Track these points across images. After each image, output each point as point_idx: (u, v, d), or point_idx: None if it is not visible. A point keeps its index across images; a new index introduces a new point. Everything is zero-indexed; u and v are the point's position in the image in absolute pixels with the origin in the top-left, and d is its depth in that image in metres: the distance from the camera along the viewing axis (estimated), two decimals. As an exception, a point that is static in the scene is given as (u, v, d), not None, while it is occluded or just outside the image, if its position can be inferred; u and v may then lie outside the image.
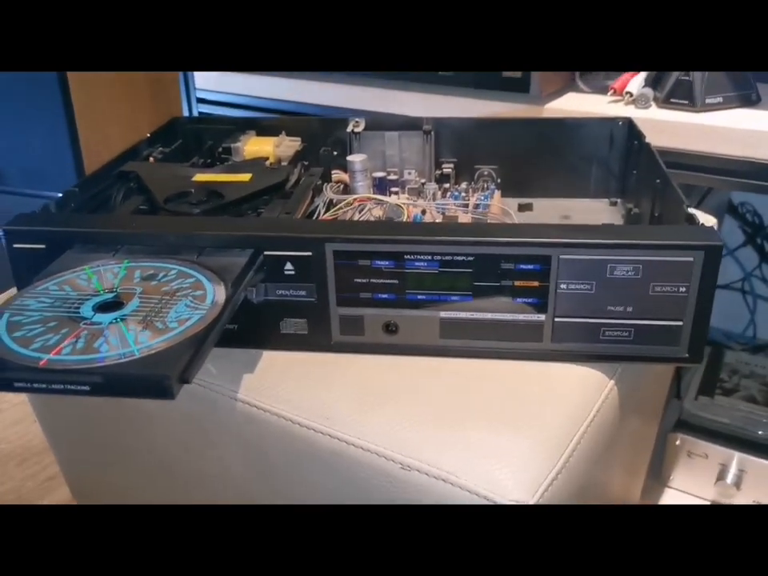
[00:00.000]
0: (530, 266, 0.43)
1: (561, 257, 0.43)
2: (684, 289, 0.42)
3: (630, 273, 0.42)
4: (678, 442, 0.81)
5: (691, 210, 0.46)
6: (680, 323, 0.43)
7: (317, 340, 0.46)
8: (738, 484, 0.78)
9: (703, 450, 0.80)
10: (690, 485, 0.82)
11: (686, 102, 0.71)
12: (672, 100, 0.72)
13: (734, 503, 0.80)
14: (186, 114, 0.98)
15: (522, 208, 0.64)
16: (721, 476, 0.79)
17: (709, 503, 0.81)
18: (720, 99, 0.71)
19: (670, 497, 0.83)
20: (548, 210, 0.64)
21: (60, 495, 0.93)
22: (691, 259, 0.42)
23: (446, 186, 0.64)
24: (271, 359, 0.47)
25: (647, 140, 0.59)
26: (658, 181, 0.52)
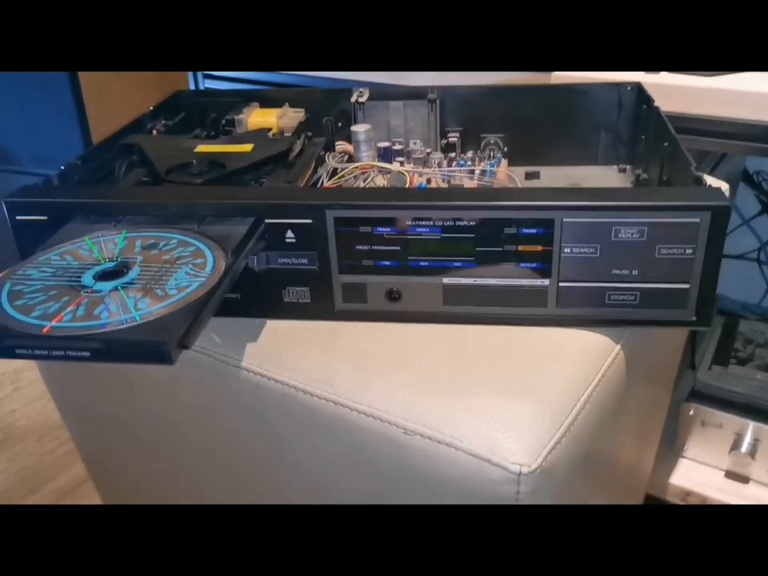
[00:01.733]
0: (534, 230, 0.43)
1: (564, 220, 0.42)
2: (690, 251, 0.42)
3: (635, 235, 0.42)
4: (691, 412, 0.80)
5: (708, 180, 0.45)
6: (687, 286, 0.43)
7: (319, 308, 0.46)
8: (752, 453, 0.78)
9: (717, 420, 0.80)
10: (705, 455, 0.82)
11: (698, 65, 0.70)
12: (683, 63, 0.71)
13: (749, 473, 0.79)
14: (192, 89, 0.97)
15: (530, 176, 0.63)
16: (735, 445, 0.79)
17: (723, 473, 0.81)
18: (733, 62, 0.70)
19: (684, 467, 0.82)
20: (556, 178, 0.63)
21: (78, 470, 0.95)
22: (697, 220, 0.41)
23: (452, 155, 0.63)
24: (274, 328, 0.47)
25: (656, 104, 0.58)
26: (666, 144, 0.51)
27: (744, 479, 0.80)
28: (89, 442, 0.63)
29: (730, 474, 0.80)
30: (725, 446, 0.80)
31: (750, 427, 0.78)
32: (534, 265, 0.44)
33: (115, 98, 0.96)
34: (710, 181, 0.46)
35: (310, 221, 0.44)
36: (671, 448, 0.83)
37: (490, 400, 0.40)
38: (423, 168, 0.60)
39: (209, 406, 0.48)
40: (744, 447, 0.78)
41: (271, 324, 0.47)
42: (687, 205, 0.41)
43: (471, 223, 0.43)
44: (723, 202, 0.41)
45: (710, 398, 0.81)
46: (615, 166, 0.64)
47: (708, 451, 0.82)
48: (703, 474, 0.81)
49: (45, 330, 0.35)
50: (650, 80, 0.70)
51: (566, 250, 0.43)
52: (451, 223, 0.43)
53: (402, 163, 0.61)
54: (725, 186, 0.61)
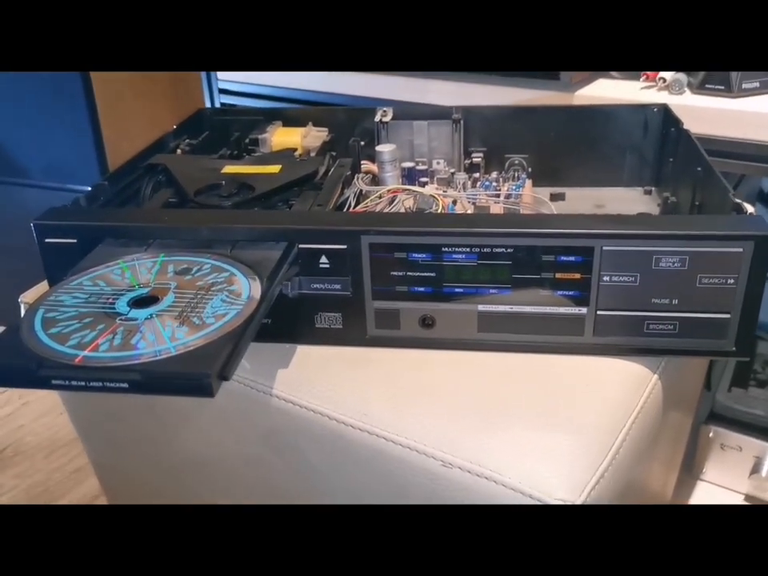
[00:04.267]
0: (572, 258, 0.42)
1: (604, 248, 0.41)
2: (732, 281, 0.41)
3: (676, 264, 0.41)
4: (710, 435, 0.79)
5: (738, 200, 0.45)
6: (727, 316, 0.42)
7: (352, 334, 0.46)
8: (773, 477, 0.77)
9: (737, 443, 0.79)
10: (724, 478, 0.81)
11: (722, 87, 0.70)
12: (707, 85, 0.71)
13: (769, 497, 0.78)
14: (207, 105, 0.97)
15: (554, 198, 0.62)
16: (755, 469, 0.78)
17: (743, 496, 0.80)
18: (757, 84, 0.69)
19: (703, 490, 0.81)
20: (581, 200, 0.62)
21: (87, 488, 0.94)
22: (740, 250, 0.40)
23: (476, 175, 0.63)
24: (306, 354, 0.46)
25: (685, 127, 0.57)
26: (700, 169, 0.51)
27: (764, 503, 0.79)
28: (107, 462, 0.62)
29: (750, 498, 0.79)
30: (744, 469, 0.79)
31: (771, 451, 0.77)
32: (571, 293, 0.43)
33: (130, 111, 0.95)
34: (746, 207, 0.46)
35: (344, 246, 0.43)
36: (690, 471, 0.82)
37: (530, 432, 0.39)
38: (447, 189, 0.60)
39: (237, 433, 0.47)
40: (764, 471, 0.77)
41: (302, 349, 0.46)
42: (730, 234, 0.40)
43: (509, 250, 0.42)
44: (767, 232, 0.40)
45: (729, 420, 0.80)
46: (640, 188, 0.64)
47: (727, 474, 0.81)
48: (722, 498, 0.80)
49: (77, 359, 0.34)
50: (673, 101, 0.69)
51: (604, 278, 0.42)
52: (488, 250, 0.42)
53: (425, 184, 0.61)
54: (752, 209, 0.61)
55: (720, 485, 0.81)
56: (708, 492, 0.81)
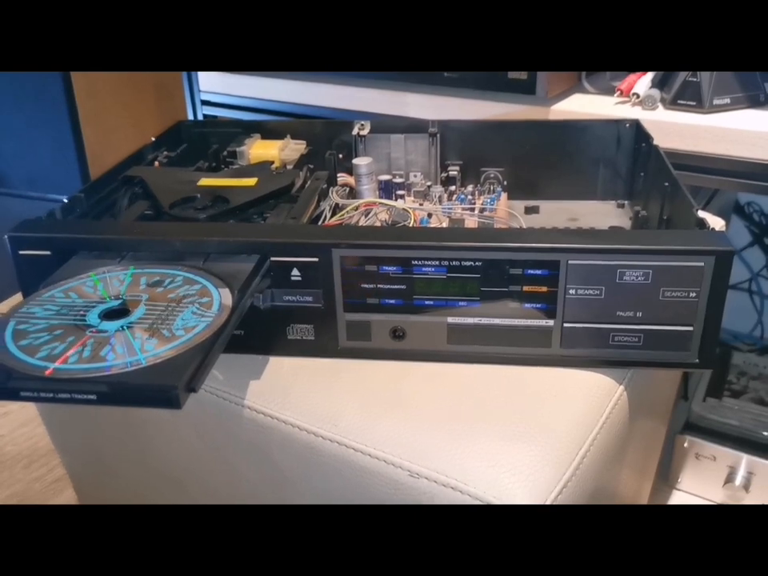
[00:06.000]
0: (539, 272, 0.43)
1: (569, 262, 0.42)
2: (694, 294, 0.42)
3: (639, 278, 0.42)
4: (685, 444, 0.80)
5: (701, 214, 0.46)
6: (690, 329, 0.43)
7: (323, 346, 0.46)
8: (746, 486, 0.78)
9: (711, 453, 0.80)
10: (698, 487, 0.82)
11: (694, 103, 0.71)
12: (679, 101, 0.72)
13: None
14: (190, 117, 0.97)
15: (529, 210, 0.63)
16: (729, 478, 0.79)
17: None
18: (728, 100, 0.71)
19: (678, 499, 0.82)
20: (555, 213, 0.63)
21: (67, 498, 0.93)
22: (702, 264, 0.41)
23: (452, 188, 0.64)
24: (278, 365, 0.46)
25: (655, 142, 0.58)
26: (667, 184, 0.52)
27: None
28: (83, 474, 0.63)
29: (724, 508, 0.80)
30: (719, 478, 0.80)
31: (744, 460, 0.78)
32: (538, 305, 0.44)
33: (113, 122, 0.96)
34: (710, 220, 0.47)
35: (316, 259, 0.44)
36: (665, 480, 0.83)
37: (495, 443, 0.40)
38: (424, 201, 0.61)
39: (210, 444, 0.48)
40: (738, 480, 0.78)
41: (274, 361, 0.47)
42: (692, 249, 0.41)
43: (477, 263, 0.43)
44: (727, 247, 0.41)
45: (704, 430, 0.81)
46: (614, 202, 0.65)
47: (702, 484, 0.82)
48: (697, 507, 0.81)
49: (48, 371, 0.35)
50: (646, 116, 0.71)
51: (570, 292, 0.43)
52: (457, 263, 0.43)
53: (402, 197, 0.61)
54: (721, 223, 0.62)
55: (695, 494, 0.82)
56: (683, 501, 0.82)
